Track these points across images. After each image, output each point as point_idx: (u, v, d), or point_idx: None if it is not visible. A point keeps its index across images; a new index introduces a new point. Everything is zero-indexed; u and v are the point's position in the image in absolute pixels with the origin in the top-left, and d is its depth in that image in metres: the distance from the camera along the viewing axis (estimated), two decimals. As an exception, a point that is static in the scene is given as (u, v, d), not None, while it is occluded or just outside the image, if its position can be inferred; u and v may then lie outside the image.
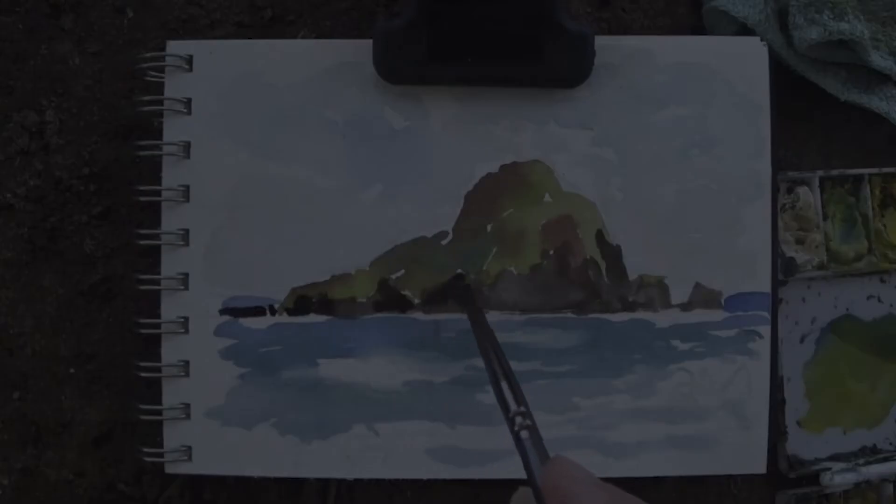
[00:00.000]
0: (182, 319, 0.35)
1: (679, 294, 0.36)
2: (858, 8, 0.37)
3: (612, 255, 0.36)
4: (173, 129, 0.36)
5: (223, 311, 0.36)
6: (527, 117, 0.36)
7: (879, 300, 0.40)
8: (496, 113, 0.36)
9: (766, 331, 0.36)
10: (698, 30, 0.39)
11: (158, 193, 0.35)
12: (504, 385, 0.30)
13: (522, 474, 0.36)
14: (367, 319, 0.36)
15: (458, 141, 0.36)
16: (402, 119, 0.36)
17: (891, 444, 0.40)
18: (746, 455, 0.36)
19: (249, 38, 0.38)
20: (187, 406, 0.35)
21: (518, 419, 0.28)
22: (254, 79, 0.36)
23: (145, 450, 0.35)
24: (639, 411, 0.36)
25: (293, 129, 0.36)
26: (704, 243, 0.36)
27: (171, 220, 0.36)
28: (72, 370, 0.38)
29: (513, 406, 0.29)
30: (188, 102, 0.36)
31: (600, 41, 0.35)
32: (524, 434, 0.28)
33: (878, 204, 0.40)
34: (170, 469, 0.36)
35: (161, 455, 0.35)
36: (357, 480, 0.37)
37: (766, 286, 0.36)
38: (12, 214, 0.38)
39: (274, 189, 0.36)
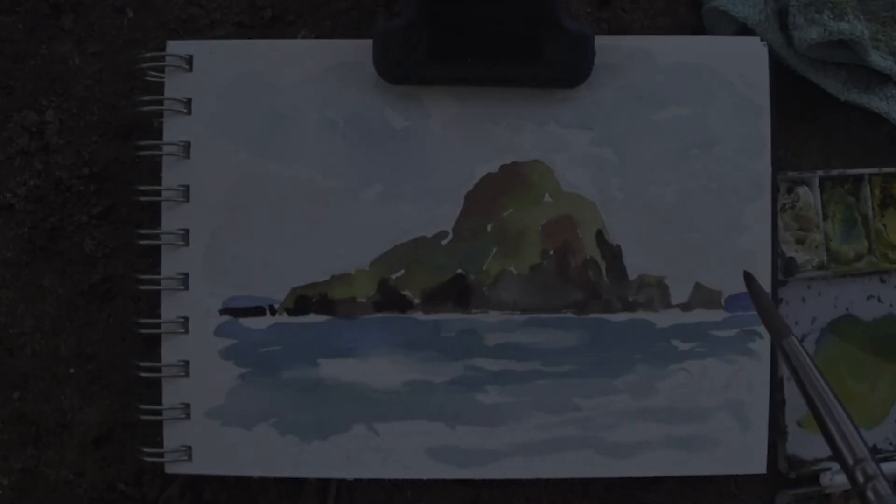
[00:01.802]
0: (182, 319, 0.35)
1: (679, 294, 0.36)
2: (858, 8, 0.36)
3: (612, 255, 0.36)
4: (173, 129, 0.36)
5: (223, 311, 0.36)
6: (527, 117, 0.36)
7: (879, 300, 0.40)
8: (496, 113, 0.36)
9: (766, 331, 0.36)
10: (698, 30, 0.39)
11: (158, 193, 0.35)
12: (845, 422, 0.23)
13: (521, 474, 0.36)
14: (367, 319, 0.36)
15: (458, 141, 0.36)
16: (402, 119, 0.36)
17: (891, 444, 0.40)
18: (746, 455, 0.36)
19: (249, 38, 0.38)
20: (187, 406, 0.35)
21: (860, 467, 0.22)
22: (254, 79, 0.36)
23: (145, 450, 0.35)
24: (639, 411, 0.36)
25: (293, 129, 0.36)
26: (704, 243, 0.36)
27: (171, 220, 0.36)
28: (72, 370, 0.38)
29: (859, 452, 0.22)
30: (188, 102, 0.36)
31: (600, 41, 0.35)
32: (874, 489, 0.21)
33: (878, 204, 0.40)
34: (170, 469, 0.36)
35: (161, 455, 0.35)
36: (357, 480, 0.37)
37: (766, 286, 0.36)
38: (12, 214, 0.38)
39: (274, 189, 0.36)
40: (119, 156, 0.38)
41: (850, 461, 0.22)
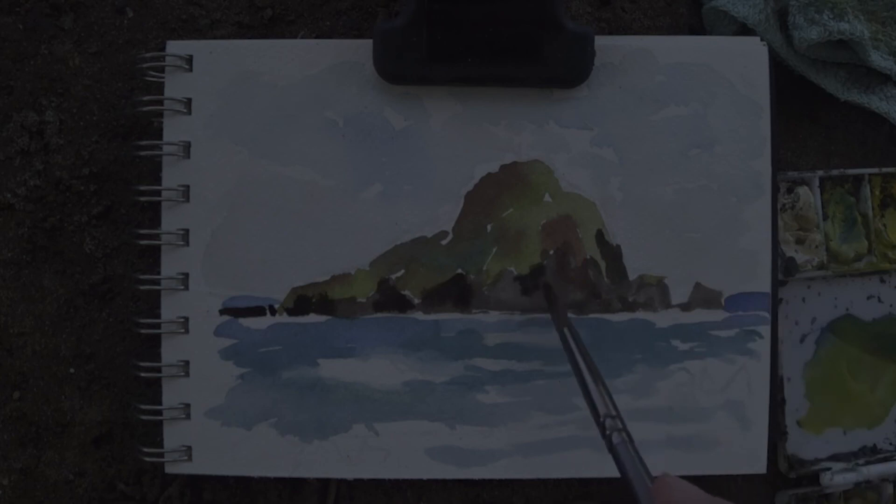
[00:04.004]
0: (182, 319, 0.35)
1: (679, 294, 0.36)
2: (858, 8, 0.37)
3: (612, 255, 0.36)
4: (173, 129, 0.36)
5: (223, 311, 0.36)
6: (527, 117, 0.36)
7: (879, 300, 0.40)
8: (496, 113, 0.36)
9: (766, 331, 0.36)
10: (698, 30, 0.40)
11: (158, 193, 0.35)
12: (593, 388, 0.29)
13: (521, 474, 0.36)
14: (367, 319, 0.36)
15: (458, 141, 0.36)
16: (402, 119, 0.36)
17: (891, 444, 0.40)
18: (746, 455, 0.36)
19: (249, 38, 0.38)
20: (187, 406, 0.35)
21: (608, 421, 0.28)
22: (254, 79, 0.36)
23: (145, 450, 0.35)
24: (639, 411, 0.36)
25: (293, 129, 0.36)
26: (704, 243, 0.36)
27: (171, 220, 0.36)
28: (72, 370, 0.38)
29: (602, 409, 0.29)
30: (188, 102, 0.36)
31: (600, 41, 0.35)
32: (616, 438, 0.27)
33: (878, 204, 0.40)
34: (170, 469, 0.36)
35: (161, 455, 0.35)
36: (357, 480, 0.37)
37: (766, 286, 0.36)
38: (12, 214, 0.38)
39: (274, 189, 0.36)
40: (119, 156, 0.38)
41: (601, 415, 0.28)
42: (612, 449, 0.27)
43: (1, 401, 0.38)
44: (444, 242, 0.36)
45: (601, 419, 0.28)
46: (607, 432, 0.28)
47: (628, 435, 0.28)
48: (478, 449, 0.36)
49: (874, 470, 0.38)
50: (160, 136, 0.36)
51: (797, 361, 0.39)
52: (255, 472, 0.36)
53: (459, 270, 0.36)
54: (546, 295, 0.36)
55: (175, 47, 0.36)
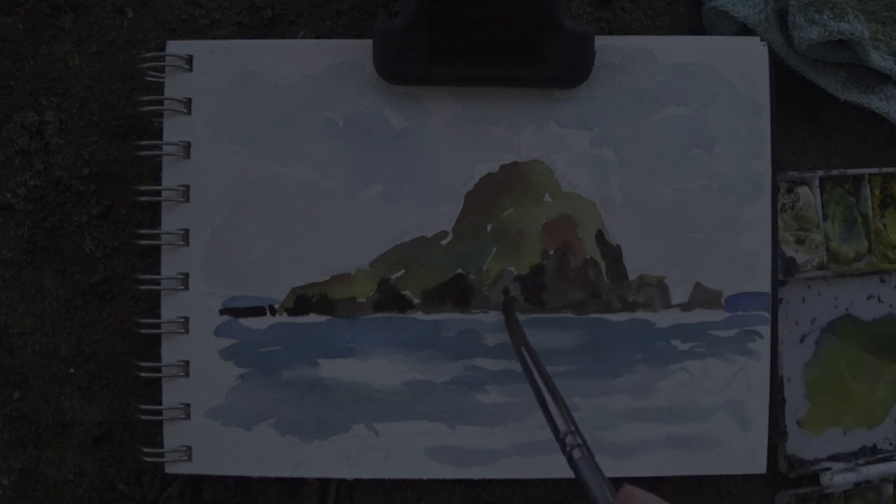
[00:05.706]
0: (182, 319, 0.35)
1: (679, 294, 0.36)
2: (858, 8, 0.37)
3: (612, 255, 0.36)
4: (173, 129, 0.36)
5: (223, 311, 0.36)
6: (527, 117, 0.36)
7: (879, 300, 0.40)
8: (496, 113, 0.36)
9: (766, 331, 0.36)
10: (698, 30, 0.40)
11: (158, 193, 0.35)
12: (552, 405, 0.29)
13: (522, 474, 0.36)
14: (367, 319, 0.36)
15: (458, 141, 0.36)
16: (402, 119, 0.36)
17: (891, 444, 0.40)
18: (746, 455, 0.36)
19: (249, 38, 0.38)
20: (187, 406, 0.35)
21: (569, 438, 0.28)
22: (254, 79, 0.36)
23: (145, 450, 0.35)
24: (639, 411, 0.36)
25: (293, 129, 0.36)
26: (704, 243, 0.36)
27: (171, 220, 0.36)
28: (72, 370, 0.38)
29: (562, 426, 0.29)
30: (188, 102, 0.36)
31: (600, 41, 0.35)
32: (576, 454, 0.27)
33: (878, 204, 0.40)
34: (170, 469, 0.36)
35: (161, 455, 0.35)
36: (357, 480, 0.37)
37: (766, 286, 0.36)
38: (12, 214, 0.38)
39: (274, 189, 0.36)
40: (119, 156, 0.38)
41: (561, 431, 0.28)
42: (572, 465, 0.27)
43: (1, 401, 0.38)
44: (444, 242, 0.36)
45: (561, 436, 0.28)
46: (567, 448, 0.28)
47: (588, 450, 0.28)
48: (478, 449, 0.36)
49: (874, 470, 0.38)
50: (160, 136, 0.36)
51: (797, 361, 0.39)
52: (255, 472, 0.36)
53: (459, 270, 0.36)
54: (504, 312, 0.35)
55: (175, 47, 0.36)
